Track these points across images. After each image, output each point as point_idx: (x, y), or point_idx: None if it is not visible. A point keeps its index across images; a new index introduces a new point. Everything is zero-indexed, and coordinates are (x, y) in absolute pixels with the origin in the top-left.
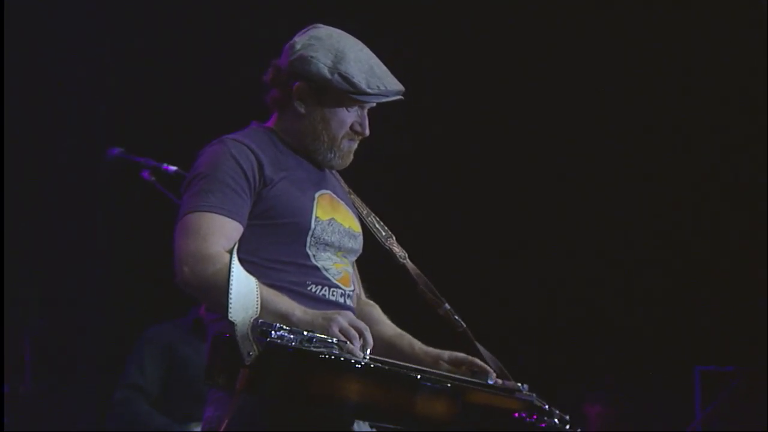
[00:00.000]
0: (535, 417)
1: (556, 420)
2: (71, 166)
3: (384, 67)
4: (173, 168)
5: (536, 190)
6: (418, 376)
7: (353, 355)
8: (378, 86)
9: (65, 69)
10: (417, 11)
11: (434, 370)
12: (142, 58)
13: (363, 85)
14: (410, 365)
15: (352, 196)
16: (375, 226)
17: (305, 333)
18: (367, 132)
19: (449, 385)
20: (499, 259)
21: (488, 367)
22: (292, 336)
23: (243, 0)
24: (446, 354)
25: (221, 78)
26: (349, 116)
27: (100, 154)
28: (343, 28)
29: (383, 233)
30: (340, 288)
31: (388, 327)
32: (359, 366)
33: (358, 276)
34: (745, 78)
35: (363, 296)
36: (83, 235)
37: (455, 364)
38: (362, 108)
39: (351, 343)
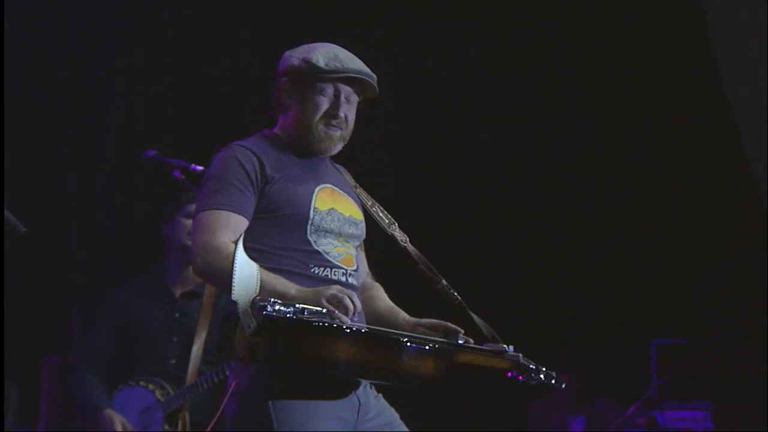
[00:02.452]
0: (524, 376)
1: (542, 377)
2: (114, 165)
3: (354, 58)
4: (200, 168)
5: (505, 180)
6: (404, 339)
7: (342, 321)
8: (335, 65)
9: (109, 83)
10: (422, 16)
11: (421, 336)
12: (174, 74)
13: (321, 64)
14: (399, 331)
15: (357, 190)
16: (379, 214)
17: (298, 306)
18: (341, 114)
19: (432, 345)
20: (483, 246)
21: (458, 328)
22: (285, 308)
23: (268, 14)
24: (423, 321)
25: (242, 89)
26: (323, 101)
27: (137, 155)
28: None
29: (387, 221)
30: (341, 268)
31: (383, 303)
32: (348, 331)
33: (365, 260)
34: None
35: (369, 278)
36: (123, 225)
37: (431, 328)
38: (335, 94)
39: (341, 309)
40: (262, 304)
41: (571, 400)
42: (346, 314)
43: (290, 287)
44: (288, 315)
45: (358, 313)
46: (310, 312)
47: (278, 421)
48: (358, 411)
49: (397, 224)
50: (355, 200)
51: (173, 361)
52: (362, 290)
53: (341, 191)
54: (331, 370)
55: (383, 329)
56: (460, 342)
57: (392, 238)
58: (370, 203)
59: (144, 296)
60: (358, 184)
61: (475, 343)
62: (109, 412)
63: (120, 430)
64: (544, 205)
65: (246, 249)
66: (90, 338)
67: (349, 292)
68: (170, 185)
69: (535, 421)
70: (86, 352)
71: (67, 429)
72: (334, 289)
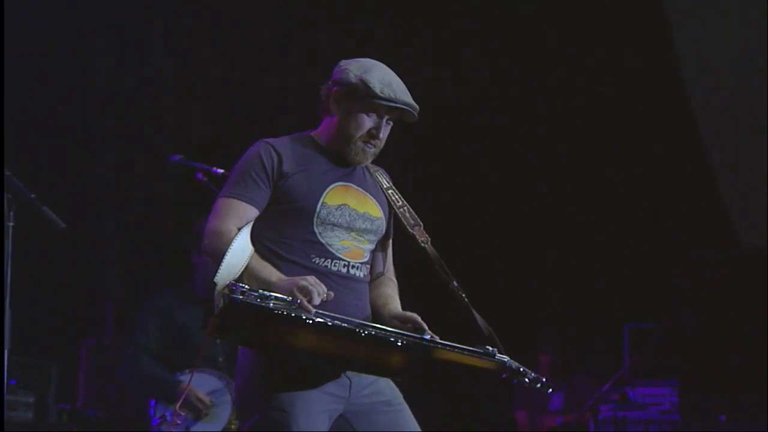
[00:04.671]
0: (514, 378)
1: (527, 379)
2: (144, 169)
3: (403, 87)
4: (220, 170)
5: (494, 181)
6: (359, 330)
7: (304, 309)
8: (389, 94)
9: (141, 95)
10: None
11: (389, 329)
12: (199, 83)
13: (377, 90)
14: (370, 324)
15: (390, 191)
16: (405, 215)
17: (264, 293)
18: (381, 137)
19: (389, 338)
20: (476, 242)
21: (425, 326)
22: (251, 294)
23: (291, 25)
24: (398, 313)
25: (261, 96)
26: (368, 121)
27: (164, 159)
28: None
29: (412, 222)
30: (343, 260)
31: (382, 294)
32: (301, 319)
33: (389, 255)
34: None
35: (388, 272)
36: (152, 222)
37: (402, 320)
38: (380, 117)
39: (308, 299)
40: (232, 288)
41: (552, 377)
42: (311, 303)
43: (273, 275)
44: (250, 301)
45: (357, 303)
46: (277, 300)
47: (269, 393)
48: (350, 388)
49: (422, 225)
50: (379, 200)
51: (221, 359)
52: (375, 282)
53: (362, 190)
54: (286, 355)
55: (351, 321)
56: (425, 338)
57: (412, 237)
58: (399, 204)
59: (184, 305)
60: (392, 186)
61: (474, 343)
62: (186, 381)
63: (202, 396)
64: (531, 206)
65: (261, 237)
66: (139, 335)
67: (320, 286)
68: (194, 186)
69: (519, 397)
70: (139, 346)
71: (104, 405)
72: (306, 280)
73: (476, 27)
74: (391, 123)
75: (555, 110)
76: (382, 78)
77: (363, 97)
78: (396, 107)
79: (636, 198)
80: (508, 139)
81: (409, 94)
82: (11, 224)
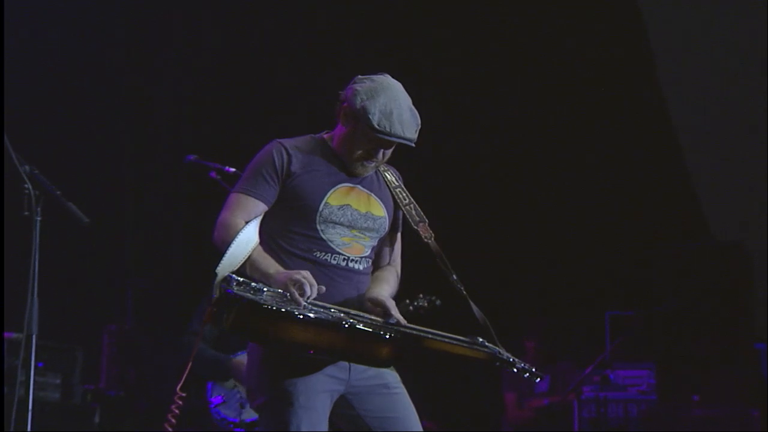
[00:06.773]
0: (506, 367)
1: (515, 369)
2: (162, 168)
3: (405, 118)
4: (232, 169)
5: (485, 178)
6: (342, 322)
7: (295, 302)
8: (385, 127)
9: (159, 98)
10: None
11: (378, 319)
12: (215, 86)
13: (374, 122)
14: (363, 315)
15: (398, 189)
16: (411, 212)
17: (256, 285)
18: (379, 159)
19: (378, 331)
20: (468, 234)
21: (392, 311)
22: (245, 287)
23: (311, 27)
24: (372, 296)
25: (273, 98)
26: (366, 144)
27: (180, 159)
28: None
29: (417, 218)
30: (343, 254)
31: (374, 280)
32: (297, 315)
33: (396, 249)
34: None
35: (392, 264)
36: (170, 217)
37: (374, 303)
38: (377, 146)
39: (300, 292)
40: (228, 279)
41: (538, 362)
42: (302, 296)
43: (271, 267)
44: (242, 293)
45: (354, 294)
46: (270, 292)
47: (273, 375)
48: (350, 370)
49: (426, 222)
50: (384, 199)
51: None
52: (376, 272)
53: (367, 191)
54: (275, 346)
55: (342, 311)
56: (390, 322)
57: (416, 233)
58: (406, 202)
59: None
60: (401, 185)
61: (468, 332)
62: (240, 358)
63: None
64: (518, 202)
65: (269, 230)
66: (195, 324)
67: (311, 279)
68: (208, 183)
69: (507, 381)
70: (194, 334)
71: (125, 386)
72: (300, 274)
73: (474, 27)
74: (392, 146)
75: (538, 110)
76: (384, 107)
77: (362, 124)
78: (390, 141)
79: (617, 194)
80: (496, 139)
81: (411, 123)
82: (38, 218)
